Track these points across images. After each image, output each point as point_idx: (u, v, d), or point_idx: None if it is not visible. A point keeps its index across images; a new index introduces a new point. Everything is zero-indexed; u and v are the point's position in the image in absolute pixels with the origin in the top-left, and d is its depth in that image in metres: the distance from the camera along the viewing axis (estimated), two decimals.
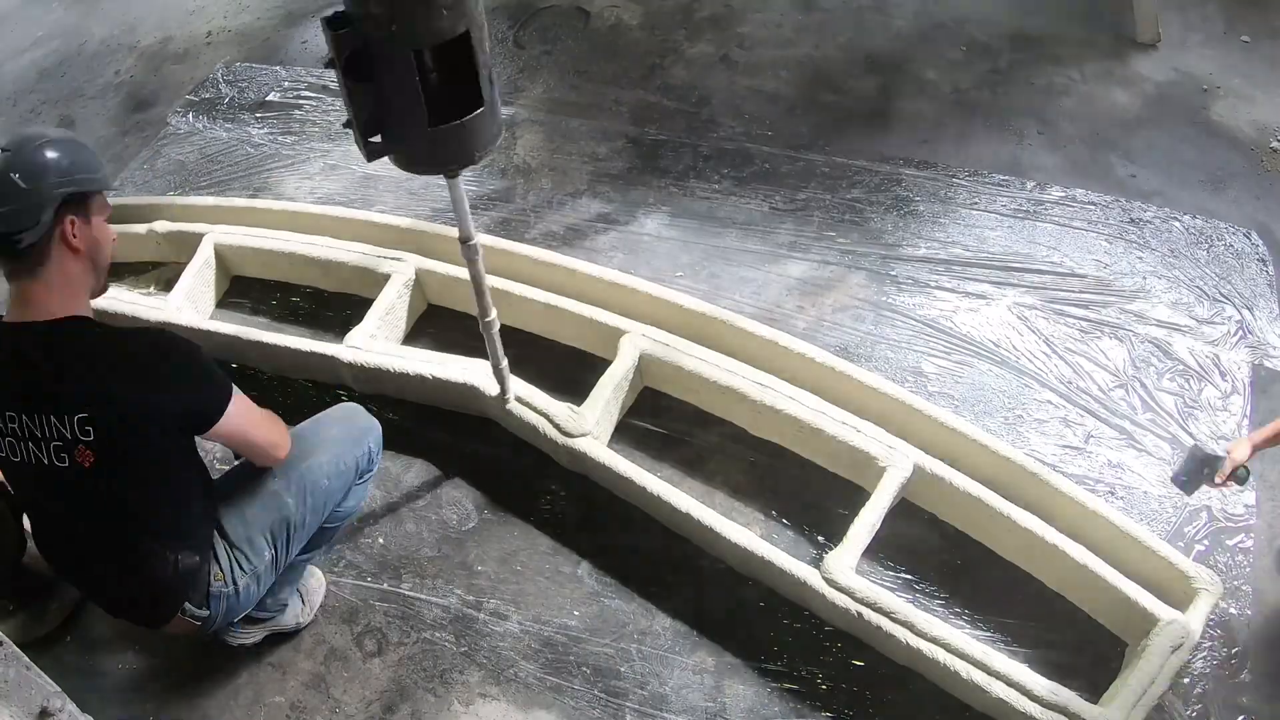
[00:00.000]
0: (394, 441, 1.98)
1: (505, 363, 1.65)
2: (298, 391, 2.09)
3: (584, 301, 1.92)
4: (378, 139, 1.16)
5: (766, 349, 1.80)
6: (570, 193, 2.40)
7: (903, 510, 1.69)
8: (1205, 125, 2.34)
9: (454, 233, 2.09)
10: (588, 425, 1.72)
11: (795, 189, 2.33)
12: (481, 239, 2.05)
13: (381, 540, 1.84)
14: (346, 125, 1.15)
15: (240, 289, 2.29)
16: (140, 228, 2.24)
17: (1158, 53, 2.52)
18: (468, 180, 2.50)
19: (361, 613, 1.75)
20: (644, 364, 1.83)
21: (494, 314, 1.53)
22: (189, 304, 2.10)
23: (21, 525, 1.74)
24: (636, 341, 1.82)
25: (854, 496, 1.61)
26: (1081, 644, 1.56)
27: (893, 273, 2.12)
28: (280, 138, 2.69)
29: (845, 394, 1.73)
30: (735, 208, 2.30)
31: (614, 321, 1.86)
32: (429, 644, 1.69)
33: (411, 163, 1.20)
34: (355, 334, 1.92)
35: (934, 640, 1.44)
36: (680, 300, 1.88)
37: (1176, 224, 2.14)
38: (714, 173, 2.40)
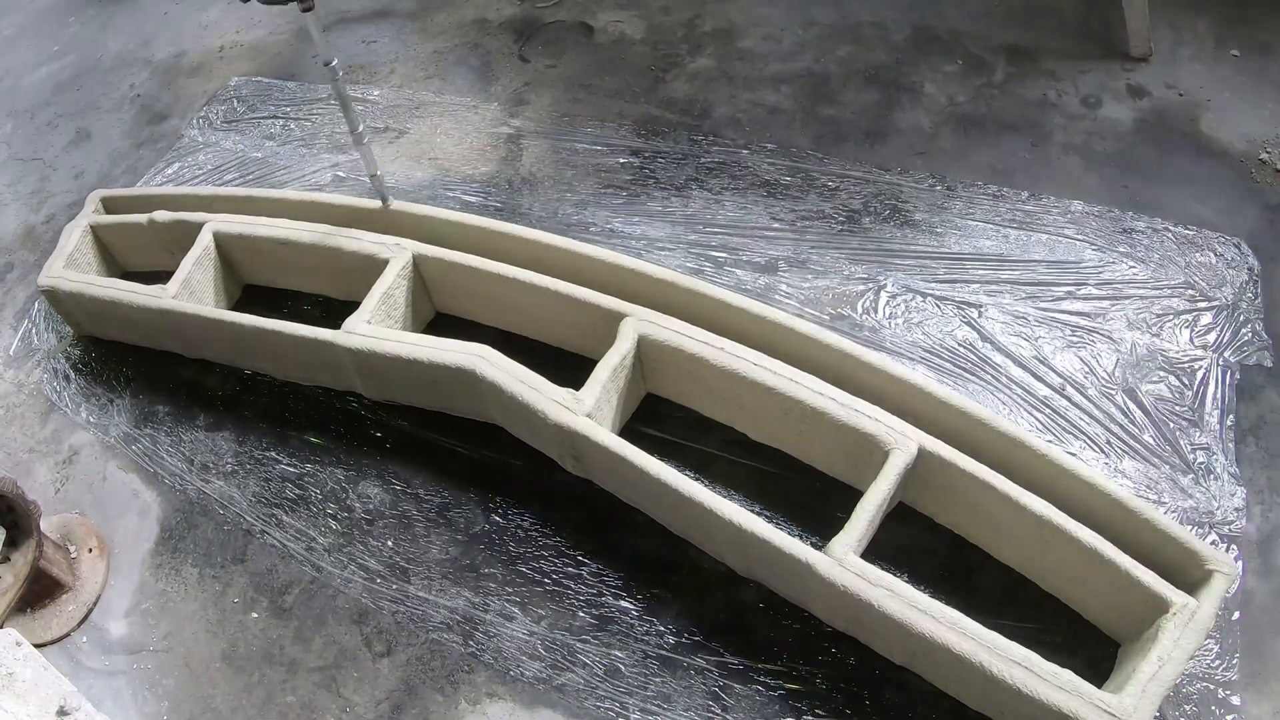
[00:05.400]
0: (403, 448, 2.02)
1: (379, 170, 1.99)
2: (308, 397, 2.14)
3: (582, 285, 1.88)
4: None
5: (766, 328, 1.78)
6: (575, 203, 2.45)
7: (900, 516, 1.72)
8: (1196, 137, 2.38)
9: (455, 217, 2.12)
10: (586, 408, 1.71)
11: (795, 199, 2.38)
12: (479, 221, 2.08)
13: (391, 543, 1.88)
14: None
15: (250, 297, 2.34)
16: (141, 218, 2.26)
17: (1149, 67, 2.57)
18: (472, 189, 2.56)
19: (371, 614, 1.79)
20: (644, 350, 1.82)
21: (362, 127, 1.88)
22: (185, 292, 2.10)
23: (40, 529, 1.78)
24: (636, 325, 1.79)
25: (854, 502, 1.63)
26: (1074, 645, 1.59)
27: (890, 281, 2.17)
28: (291, 150, 2.75)
29: (847, 374, 1.72)
30: (736, 218, 2.35)
31: (613, 305, 1.83)
32: (437, 645, 1.73)
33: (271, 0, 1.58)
34: (352, 320, 1.91)
35: (942, 622, 1.40)
36: (680, 281, 1.85)
37: (1168, 234, 2.18)
38: (715, 183, 2.45)
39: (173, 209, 2.28)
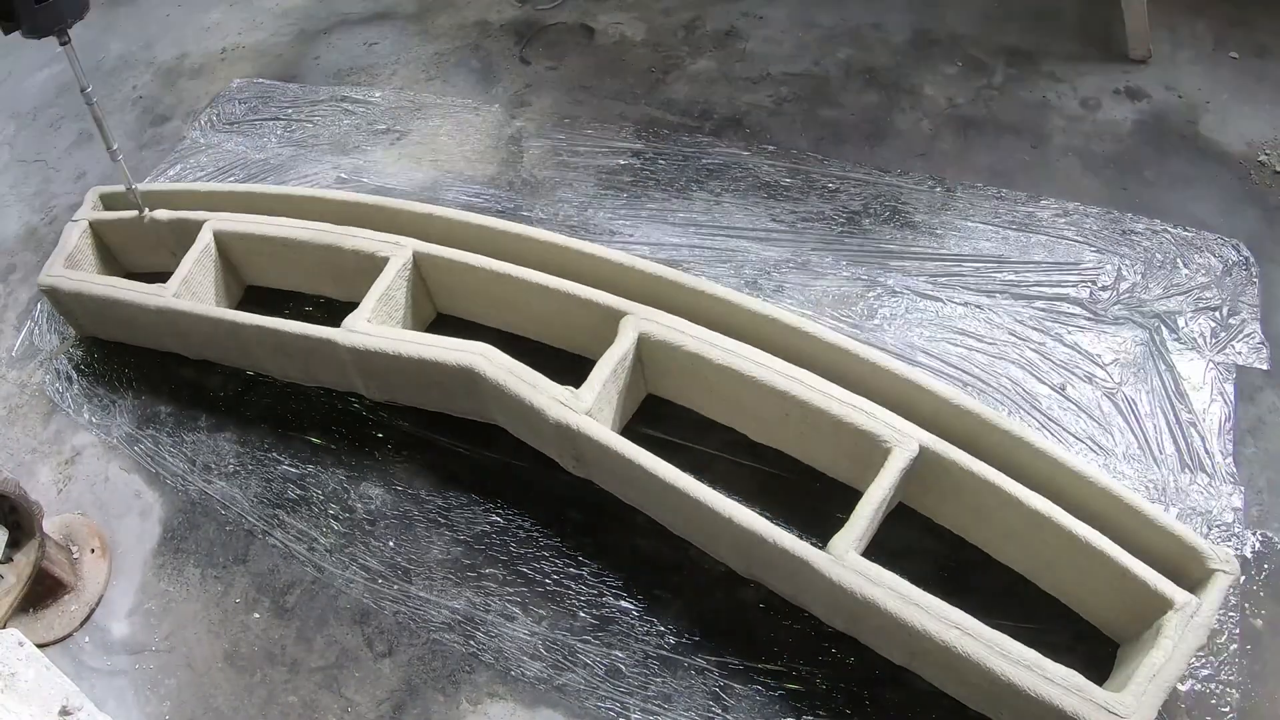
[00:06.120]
0: (404, 448, 2.03)
1: (136, 185, 2.04)
2: (309, 398, 2.14)
3: (581, 283, 1.88)
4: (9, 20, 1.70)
5: (767, 326, 1.79)
6: (576, 204, 2.46)
7: (900, 516, 1.73)
8: (1195, 139, 2.39)
9: (456, 215, 2.12)
10: (586, 404, 1.71)
11: (795, 201, 2.38)
12: (480, 219, 2.07)
13: (392, 544, 1.88)
14: None
15: (252, 298, 2.34)
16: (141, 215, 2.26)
17: (1148, 69, 2.58)
18: (473, 190, 2.57)
19: (373, 614, 1.79)
20: (644, 348, 1.82)
21: (116, 144, 1.96)
22: (186, 291, 2.10)
23: (42, 530, 1.79)
24: (636, 323, 1.79)
25: (855, 503, 1.63)
26: (1074, 645, 1.59)
27: (889, 282, 2.17)
28: (293, 151, 2.76)
29: (847, 372, 1.72)
30: (737, 219, 2.36)
31: (614, 303, 1.83)
32: (438, 645, 1.73)
33: (31, 31, 1.74)
34: (352, 318, 1.91)
35: (943, 621, 1.40)
36: (681, 279, 1.85)
37: (1167, 235, 2.19)
38: (716, 185, 2.45)
39: (173, 206, 2.29)
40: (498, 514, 1.90)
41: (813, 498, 1.80)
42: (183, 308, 2.06)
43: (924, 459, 1.61)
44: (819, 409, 1.65)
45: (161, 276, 2.16)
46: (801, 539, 1.64)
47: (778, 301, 2.16)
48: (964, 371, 2.00)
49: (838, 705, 1.58)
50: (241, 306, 2.32)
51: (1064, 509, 1.53)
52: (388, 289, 1.98)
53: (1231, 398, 1.89)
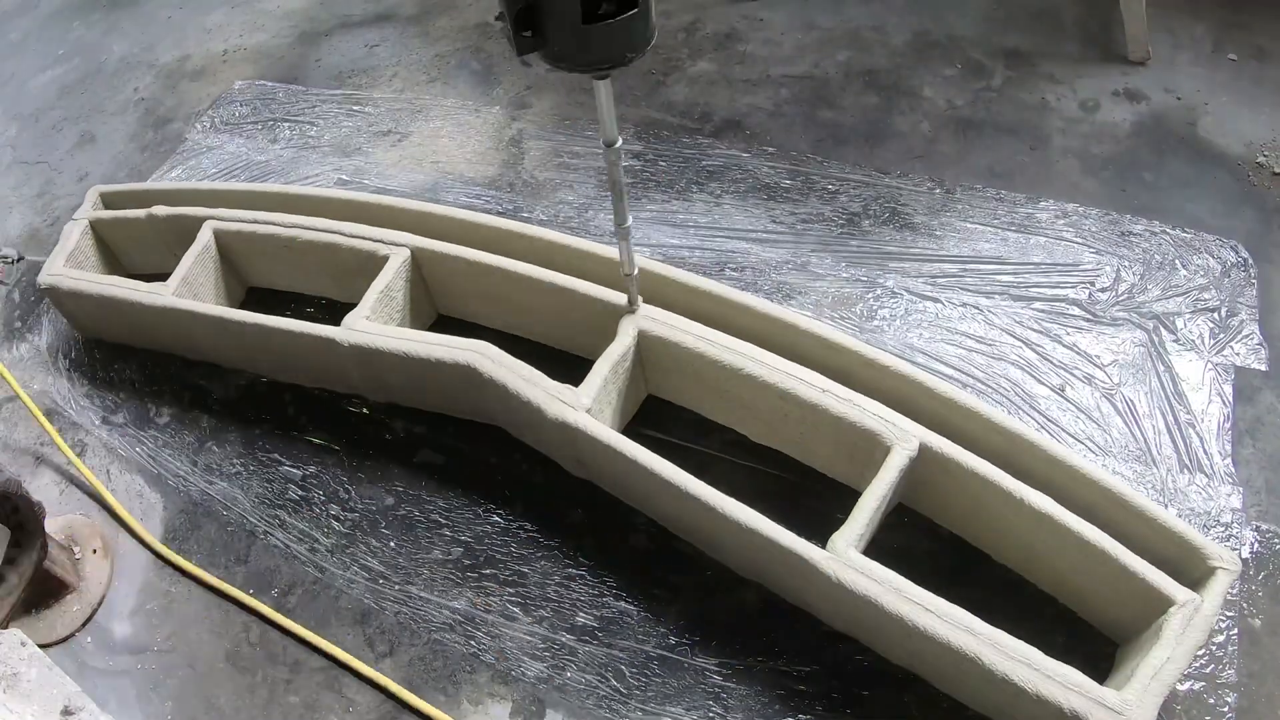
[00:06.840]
0: (405, 449, 2.04)
1: (636, 269, 1.70)
2: (311, 399, 2.15)
3: (581, 280, 1.88)
4: (528, 33, 1.16)
5: (767, 324, 1.79)
6: (576, 206, 2.47)
7: (900, 516, 1.73)
8: (1193, 140, 2.40)
9: (456, 214, 2.12)
10: (586, 403, 1.71)
11: (795, 202, 2.39)
12: (481, 218, 2.08)
13: (393, 544, 1.89)
14: (498, 19, 1.17)
15: (255, 302, 2.35)
16: (140, 213, 2.26)
17: (1147, 71, 2.59)
18: (474, 192, 2.57)
19: (373, 614, 1.80)
20: (644, 346, 1.82)
21: (630, 220, 1.61)
22: (185, 290, 2.10)
23: (44, 529, 1.79)
24: (636, 321, 1.79)
25: (855, 504, 1.64)
26: (1074, 645, 1.59)
27: (888, 284, 2.18)
28: (294, 153, 2.77)
29: (848, 370, 1.72)
30: (736, 221, 2.37)
31: (614, 300, 1.83)
32: (439, 645, 1.74)
33: (559, 59, 1.20)
34: (351, 317, 1.91)
35: (943, 618, 1.40)
36: (680, 278, 1.85)
37: (1165, 236, 2.20)
38: (716, 186, 2.46)
39: (174, 205, 2.29)
40: (498, 515, 1.90)
41: (813, 499, 1.81)
42: (182, 306, 2.07)
43: (924, 457, 1.61)
44: (819, 406, 1.66)
45: (163, 276, 2.17)
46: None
47: (777, 302, 2.16)
48: (963, 372, 2.00)
49: (838, 705, 1.58)
50: (242, 307, 2.32)
51: (1063, 507, 1.53)
52: (387, 286, 1.98)
53: (1230, 398, 1.90)
